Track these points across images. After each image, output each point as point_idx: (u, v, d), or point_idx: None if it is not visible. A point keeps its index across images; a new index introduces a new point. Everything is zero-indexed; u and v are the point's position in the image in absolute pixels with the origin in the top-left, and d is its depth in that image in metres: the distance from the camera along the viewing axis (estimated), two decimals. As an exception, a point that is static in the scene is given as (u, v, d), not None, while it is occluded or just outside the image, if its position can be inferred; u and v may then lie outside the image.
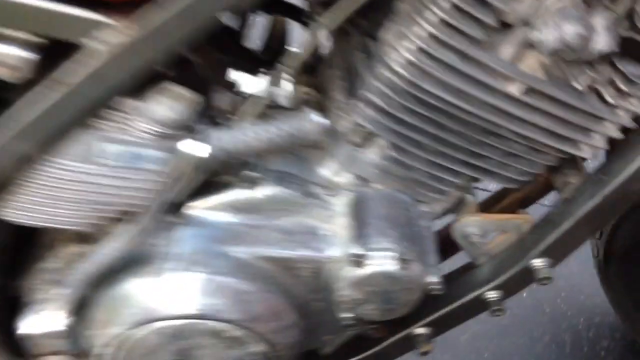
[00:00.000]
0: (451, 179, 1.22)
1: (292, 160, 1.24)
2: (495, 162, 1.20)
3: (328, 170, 1.25)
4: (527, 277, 1.33)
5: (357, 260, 1.13)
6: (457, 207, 1.37)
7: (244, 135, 1.04)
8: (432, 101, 1.07)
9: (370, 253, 1.14)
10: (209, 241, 1.15)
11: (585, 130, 1.14)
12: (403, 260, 1.13)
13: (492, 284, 1.36)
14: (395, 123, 1.12)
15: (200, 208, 1.18)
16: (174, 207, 1.16)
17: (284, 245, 1.17)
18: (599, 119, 1.13)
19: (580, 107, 1.10)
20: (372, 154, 1.20)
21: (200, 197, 1.18)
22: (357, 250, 1.13)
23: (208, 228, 1.17)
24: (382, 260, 1.14)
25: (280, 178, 1.20)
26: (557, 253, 1.31)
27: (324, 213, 1.21)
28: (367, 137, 1.18)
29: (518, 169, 1.22)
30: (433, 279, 1.18)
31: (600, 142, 1.16)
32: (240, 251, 1.15)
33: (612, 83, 1.09)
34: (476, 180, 1.25)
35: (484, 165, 1.20)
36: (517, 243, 1.35)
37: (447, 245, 1.52)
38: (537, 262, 1.31)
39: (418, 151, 1.16)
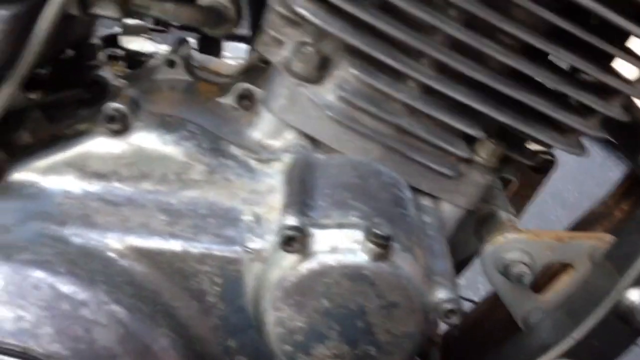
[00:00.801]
0: (465, 127, 0.72)
1: (202, 113, 0.77)
2: (538, 88, 0.70)
3: (259, 131, 0.77)
4: (620, 326, 0.76)
5: (292, 238, 0.60)
6: (484, 221, 0.86)
7: None
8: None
9: (315, 230, 0.61)
10: (30, 218, 0.64)
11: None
12: (379, 245, 0.59)
13: (558, 351, 0.79)
14: (351, 1, 0.66)
15: (31, 170, 0.69)
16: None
17: (172, 232, 0.65)
18: None
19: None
20: (328, 91, 0.73)
21: (35, 154, 0.70)
22: (292, 221, 0.61)
23: (36, 199, 0.67)
24: (339, 243, 0.61)
25: (173, 126, 0.71)
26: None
27: (248, 186, 0.71)
28: (318, 61, 0.71)
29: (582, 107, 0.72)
30: (444, 293, 0.63)
31: None
32: (88, 236, 0.63)
33: None
34: (508, 136, 0.75)
35: (522, 96, 0.70)
36: (595, 277, 0.80)
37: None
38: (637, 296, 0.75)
39: (398, 64, 0.69)
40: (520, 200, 1.11)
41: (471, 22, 0.67)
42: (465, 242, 0.91)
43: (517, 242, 0.81)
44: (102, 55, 0.95)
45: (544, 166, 1.05)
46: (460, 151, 0.73)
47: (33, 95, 0.89)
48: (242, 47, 1.28)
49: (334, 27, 0.66)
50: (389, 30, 0.66)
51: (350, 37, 0.66)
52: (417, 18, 0.66)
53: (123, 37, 1.04)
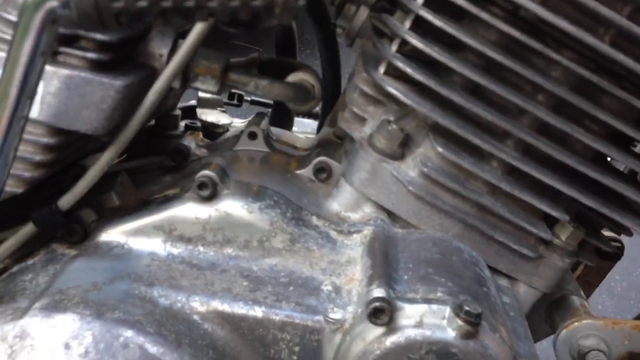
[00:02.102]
0: (549, 209, 0.72)
1: (282, 183, 0.79)
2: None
3: (338, 203, 0.78)
4: None
5: (380, 310, 0.59)
6: (557, 306, 0.85)
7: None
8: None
9: (401, 303, 0.61)
10: (119, 277, 0.65)
11: None
12: (469, 323, 0.59)
13: None
14: (440, 83, 0.68)
15: (120, 232, 0.71)
16: (74, 232, 0.70)
17: (255, 298, 0.66)
18: None
19: None
20: (410, 167, 0.74)
21: (123, 216, 0.72)
22: (380, 293, 0.61)
23: (124, 259, 0.68)
24: (426, 318, 0.60)
25: (258, 194, 0.73)
26: None
27: (328, 256, 0.71)
28: (402, 138, 0.73)
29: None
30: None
31: None
32: (175, 298, 0.64)
33: None
34: (591, 222, 0.75)
35: (609, 181, 0.70)
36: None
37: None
38: None
39: (485, 144, 0.70)
40: (587, 287, 1.09)
41: (558, 107, 0.68)
42: (535, 327, 0.89)
43: (593, 328, 0.79)
44: (181, 125, 1.00)
45: (613, 253, 1.03)
46: (542, 232, 0.73)
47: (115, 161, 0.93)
48: (307, 122, 1.33)
49: (424, 108, 0.69)
50: (478, 112, 0.68)
51: (440, 117, 0.68)
52: (507, 101, 0.68)
53: (200, 109, 1.09)
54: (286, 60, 0.97)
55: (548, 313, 0.87)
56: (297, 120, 1.29)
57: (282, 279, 0.69)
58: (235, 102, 1.18)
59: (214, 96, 1.15)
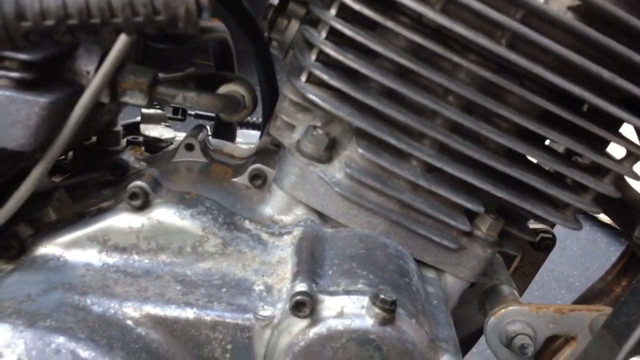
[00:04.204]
0: (465, 202, 0.76)
1: (218, 191, 0.82)
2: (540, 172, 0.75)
3: (271, 207, 0.81)
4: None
5: (302, 303, 0.63)
6: (488, 295, 0.89)
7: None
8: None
9: (323, 296, 0.64)
10: (53, 288, 0.68)
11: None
12: (385, 310, 0.62)
13: None
14: (357, 88, 0.73)
15: (55, 244, 0.73)
16: (10, 248, 0.72)
17: (187, 301, 0.68)
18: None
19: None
20: (336, 170, 0.78)
21: (59, 229, 0.74)
22: (302, 287, 0.64)
23: (59, 271, 0.70)
24: (346, 308, 0.64)
25: (190, 202, 0.76)
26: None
27: (260, 258, 0.75)
28: (327, 142, 0.77)
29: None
30: (448, 359, 0.66)
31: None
32: (108, 305, 0.67)
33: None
34: (508, 213, 0.79)
35: (517, 173, 0.75)
36: (595, 347, 0.82)
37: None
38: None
39: (402, 144, 0.74)
40: (523, 278, 1.14)
41: (469, 107, 0.73)
42: (470, 317, 0.93)
43: (519, 314, 0.83)
44: (123, 141, 1.02)
45: (545, 245, 1.08)
46: (462, 225, 0.77)
47: (58, 180, 0.95)
48: (254, 133, 1.36)
49: (343, 112, 0.73)
50: (393, 114, 0.72)
51: (358, 120, 0.73)
52: (419, 103, 0.72)
53: (144, 125, 1.11)
54: (222, 73, 1.00)
55: (480, 302, 0.92)
56: (244, 132, 1.33)
57: (216, 282, 0.72)
58: (179, 116, 1.21)
59: (158, 111, 1.17)
